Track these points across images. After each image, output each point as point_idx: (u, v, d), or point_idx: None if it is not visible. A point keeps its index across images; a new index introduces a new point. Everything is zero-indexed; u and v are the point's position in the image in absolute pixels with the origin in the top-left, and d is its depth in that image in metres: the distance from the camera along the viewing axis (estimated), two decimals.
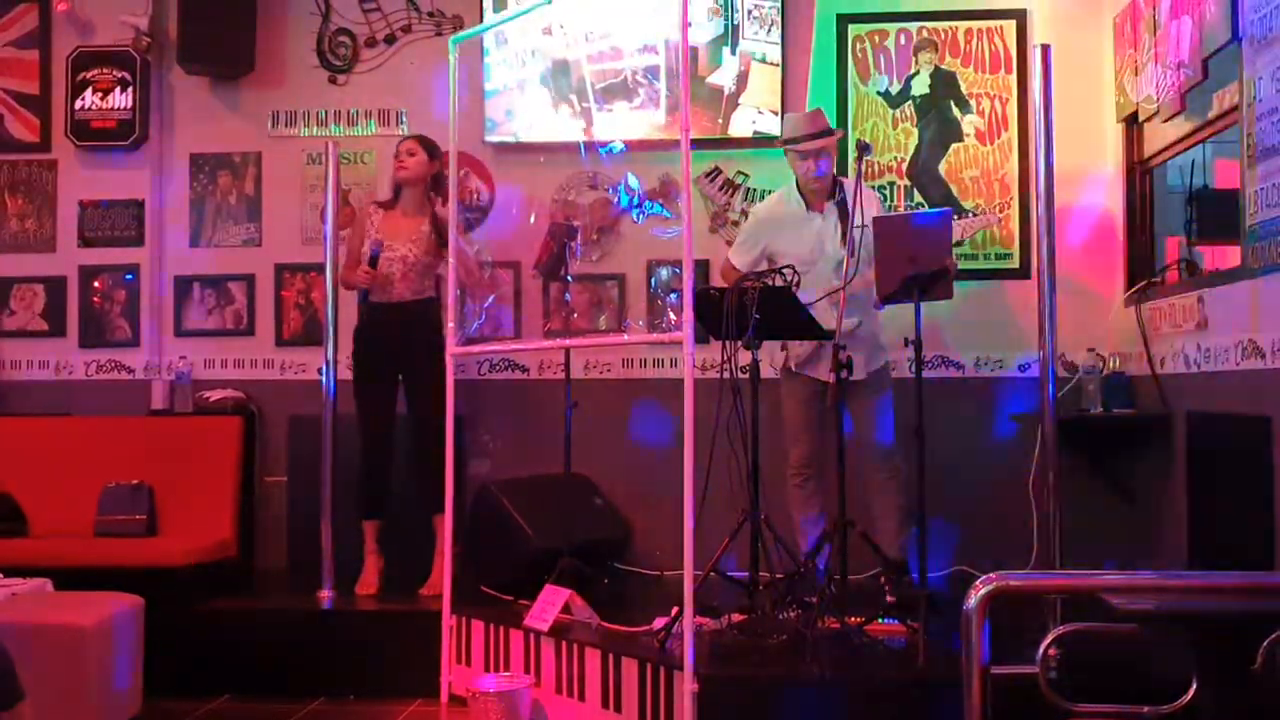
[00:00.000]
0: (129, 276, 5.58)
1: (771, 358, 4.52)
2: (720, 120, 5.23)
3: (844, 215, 4.30)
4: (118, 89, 5.51)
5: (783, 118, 4.93)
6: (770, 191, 5.26)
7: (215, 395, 5.35)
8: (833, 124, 5.00)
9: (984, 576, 2.07)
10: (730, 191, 5.32)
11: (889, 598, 4.01)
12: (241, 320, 5.54)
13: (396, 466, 4.79)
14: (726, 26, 5.23)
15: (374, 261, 4.63)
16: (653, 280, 5.34)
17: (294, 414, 5.27)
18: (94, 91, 5.52)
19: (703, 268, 5.19)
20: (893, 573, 4.09)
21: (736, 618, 3.80)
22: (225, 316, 5.54)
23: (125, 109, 5.51)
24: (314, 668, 4.34)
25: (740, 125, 5.23)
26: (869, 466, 4.40)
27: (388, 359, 4.75)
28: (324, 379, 4.75)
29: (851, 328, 4.13)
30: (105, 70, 5.52)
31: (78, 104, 5.53)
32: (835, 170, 4.48)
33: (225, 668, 4.38)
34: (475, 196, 5.43)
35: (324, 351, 4.77)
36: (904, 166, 5.21)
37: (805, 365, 4.46)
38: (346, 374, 4.92)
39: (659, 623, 3.72)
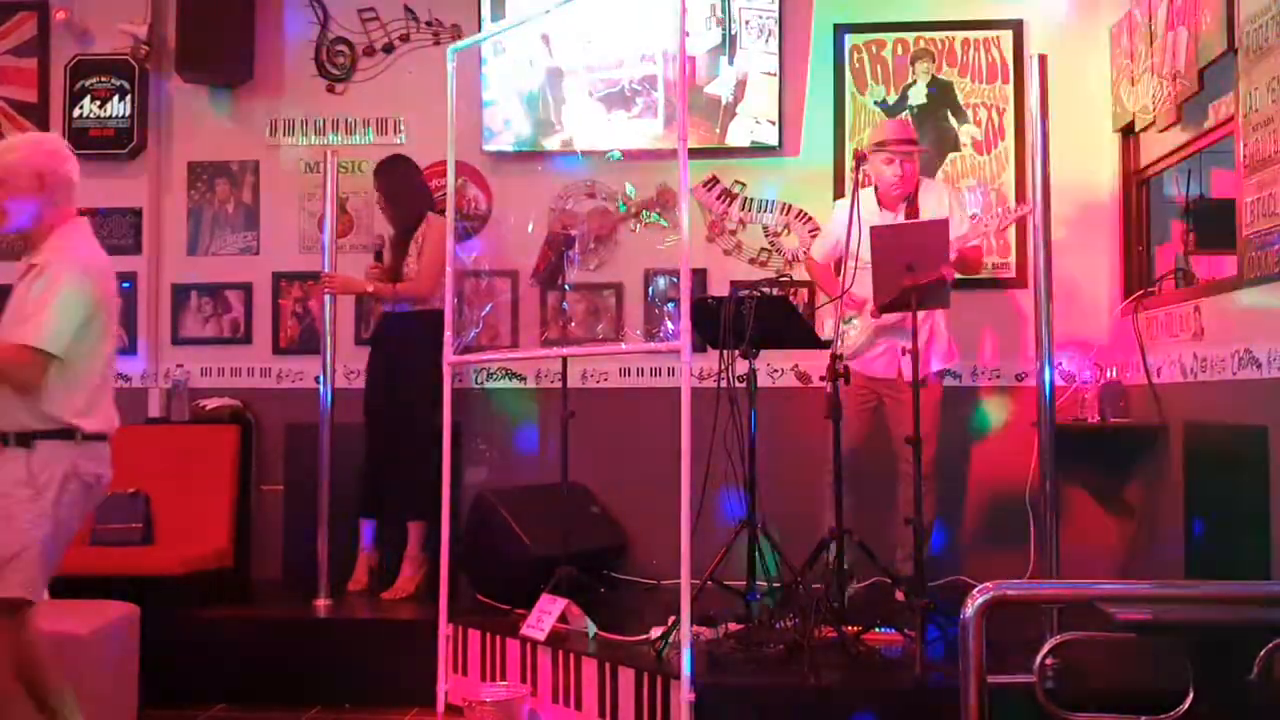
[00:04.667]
0: (126, 285, 5.56)
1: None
2: (718, 130, 5.24)
3: (913, 216, 4.37)
4: (116, 97, 5.52)
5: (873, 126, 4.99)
6: (770, 201, 5.29)
7: (212, 404, 5.34)
8: (831, 133, 5.07)
9: (981, 586, 2.07)
10: (727, 201, 5.33)
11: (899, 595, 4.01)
12: (239, 329, 5.54)
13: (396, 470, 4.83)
14: (724, 37, 5.24)
15: (379, 255, 4.84)
16: (650, 289, 5.34)
17: (291, 423, 5.25)
18: (92, 100, 5.53)
19: (700, 277, 5.19)
20: (904, 585, 4.06)
21: (734, 627, 3.79)
22: (222, 325, 5.54)
23: (123, 117, 5.51)
24: (310, 677, 4.33)
25: (738, 135, 5.24)
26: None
27: (387, 366, 4.83)
28: (321, 388, 4.75)
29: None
30: (103, 79, 5.53)
31: (76, 112, 5.53)
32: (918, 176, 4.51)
33: (221, 677, 4.36)
34: (473, 205, 5.44)
35: (321, 360, 4.77)
36: None
37: (853, 358, 4.40)
38: (343, 383, 4.93)
39: (656, 632, 3.72)
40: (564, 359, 4.58)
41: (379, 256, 4.89)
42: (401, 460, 4.73)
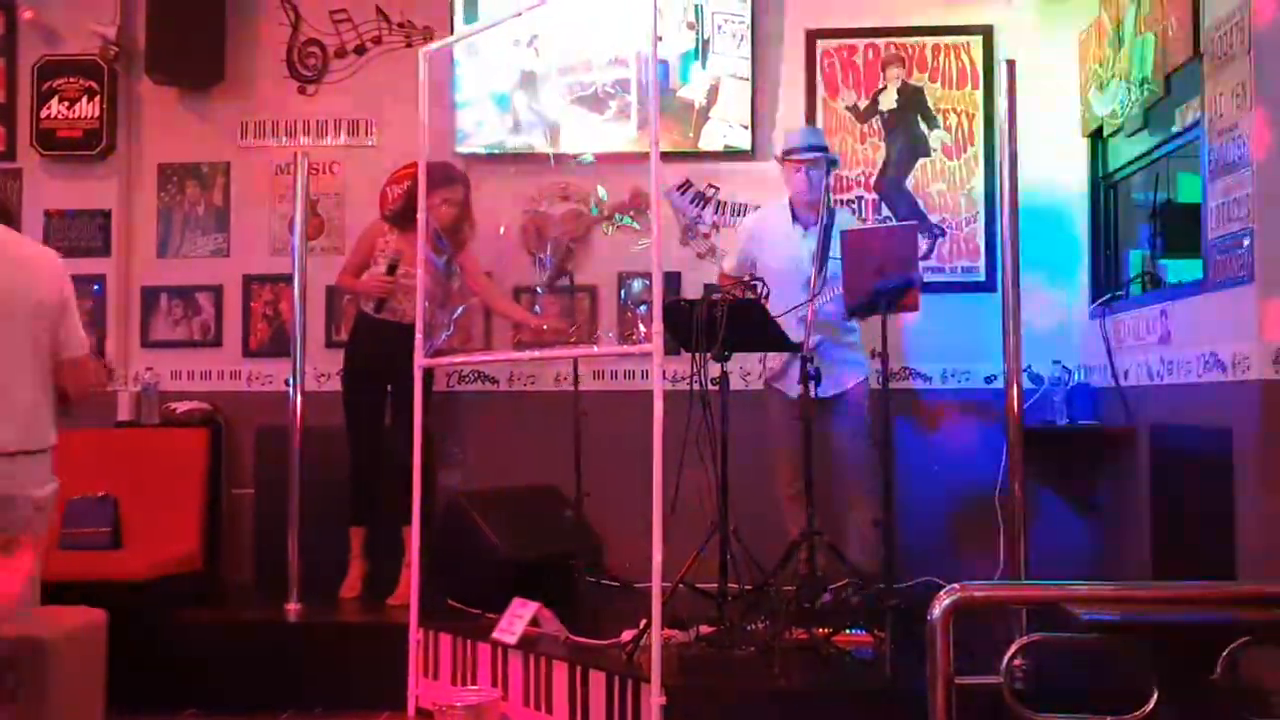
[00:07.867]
0: (95, 287, 5.52)
1: (757, 366, 4.66)
2: (691, 134, 5.25)
3: (828, 235, 4.30)
4: (84, 98, 5.47)
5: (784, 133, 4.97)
6: (743, 205, 5.30)
7: (182, 407, 5.30)
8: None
9: (948, 587, 2.08)
10: (701, 204, 5.34)
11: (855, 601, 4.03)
12: (209, 331, 5.50)
13: (386, 476, 4.79)
14: (697, 41, 5.25)
15: (392, 269, 4.68)
16: (623, 292, 5.34)
17: (261, 426, 5.23)
18: (60, 100, 5.47)
19: (673, 280, 5.20)
20: (867, 584, 4.08)
21: (705, 629, 3.80)
22: (192, 327, 5.50)
23: (92, 118, 5.47)
24: (281, 681, 4.30)
25: (711, 139, 5.26)
26: (845, 482, 4.42)
27: (382, 372, 4.77)
28: (291, 390, 4.72)
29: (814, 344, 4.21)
30: (72, 79, 5.47)
31: (44, 113, 5.48)
32: (827, 189, 4.44)
33: (191, 682, 4.34)
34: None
35: (291, 363, 4.74)
36: (872, 181, 5.25)
37: (776, 379, 4.48)
38: (314, 385, 4.90)
39: (627, 635, 3.72)
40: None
41: (392, 270, 4.72)
42: (397, 466, 4.63)
